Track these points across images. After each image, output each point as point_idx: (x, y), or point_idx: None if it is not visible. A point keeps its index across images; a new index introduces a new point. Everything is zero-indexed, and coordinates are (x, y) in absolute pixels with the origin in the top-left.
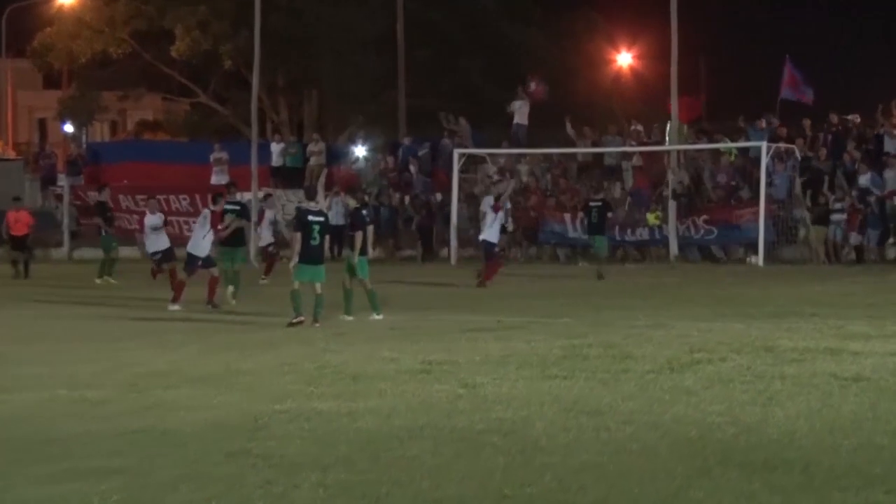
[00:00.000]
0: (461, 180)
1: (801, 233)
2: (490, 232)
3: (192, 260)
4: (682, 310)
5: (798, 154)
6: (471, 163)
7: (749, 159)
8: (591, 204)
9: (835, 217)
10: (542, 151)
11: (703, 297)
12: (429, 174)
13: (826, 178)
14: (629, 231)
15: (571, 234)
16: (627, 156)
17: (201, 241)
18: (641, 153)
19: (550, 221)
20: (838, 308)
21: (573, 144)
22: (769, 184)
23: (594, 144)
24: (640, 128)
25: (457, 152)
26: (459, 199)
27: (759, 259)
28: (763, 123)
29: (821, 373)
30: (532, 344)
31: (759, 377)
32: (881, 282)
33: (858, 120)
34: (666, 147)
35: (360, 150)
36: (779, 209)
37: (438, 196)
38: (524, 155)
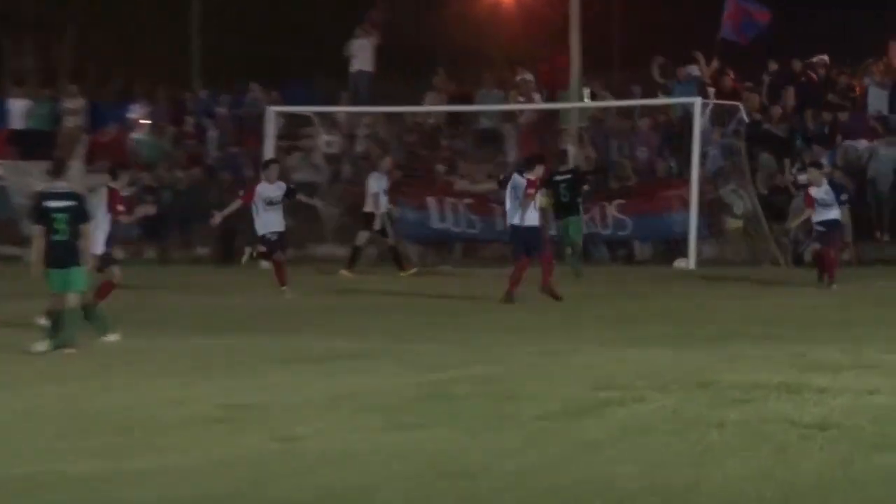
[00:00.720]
0: (285, 150)
1: (730, 223)
2: (530, 215)
3: None
4: (585, 331)
5: (745, 114)
6: (294, 125)
7: (678, 122)
8: (558, 178)
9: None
10: (386, 110)
11: (613, 314)
12: (236, 142)
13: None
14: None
15: (436, 224)
16: (511, 116)
17: None
18: (530, 113)
19: (404, 207)
20: (799, 328)
21: (443, 100)
22: (705, 158)
23: (462, 100)
24: (528, 77)
25: (271, 111)
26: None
27: (690, 261)
28: (692, 71)
29: (774, 418)
30: (376, 379)
31: (691, 424)
32: (858, 291)
33: (826, 63)
34: (562, 105)
35: (137, 110)
36: (716, 192)
37: (247, 173)
38: (366, 115)
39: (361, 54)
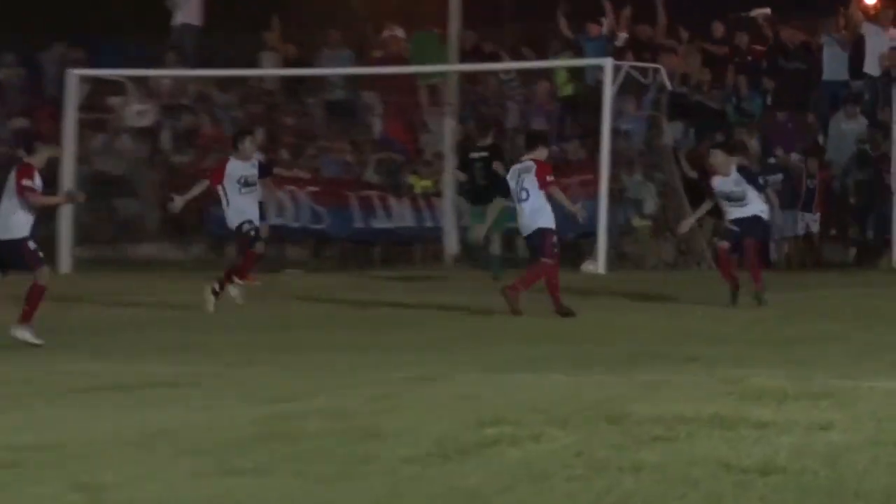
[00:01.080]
0: (89, 124)
1: (637, 221)
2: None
3: None
4: (464, 352)
5: (666, 80)
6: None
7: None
8: (474, 155)
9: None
10: (213, 74)
11: (501, 328)
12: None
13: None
14: (377, 214)
15: (273, 219)
16: (370, 84)
17: None
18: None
19: None
20: (734, 347)
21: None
22: (617, 134)
23: (299, 63)
24: (399, 34)
25: (72, 74)
26: (82, 156)
27: (599, 264)
28: (602, 28)
29: (704, 460)
30: (200, 413)
31: (599, 468)
32: (807, 300)
33: (769, 13)
34: (433, 68)
35: None
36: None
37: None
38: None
39: (187, 4)
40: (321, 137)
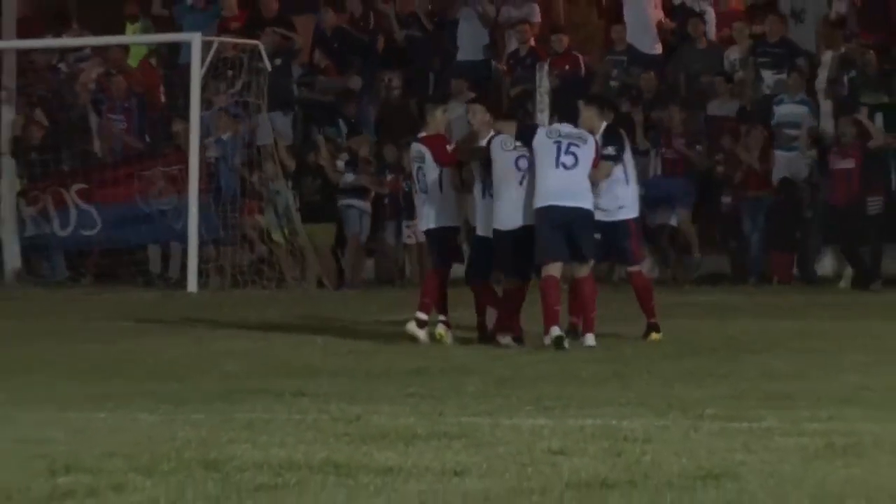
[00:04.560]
0: None
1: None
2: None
3: None
4: (27, 388)
5: (266, 60)
6: None
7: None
8: None
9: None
10: None
11: (64, 358)
12: None
13: None
14: None
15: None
16: None
17: None
18: None
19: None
20: (347, 378)
21: None
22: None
23: None
24: None
25: None
26: None
27: (190, 277)
28: None
29: None
30: None
31: None
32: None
33: None
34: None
35: None
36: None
37: None
38: None
39: None
40: None
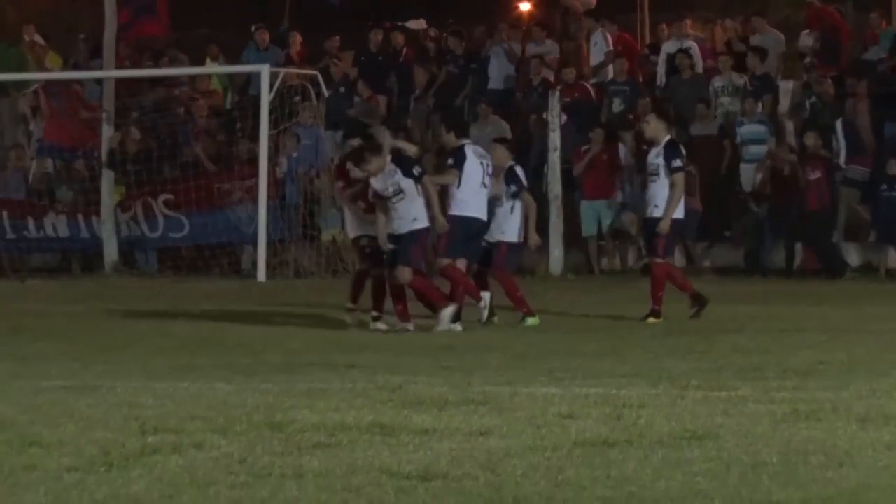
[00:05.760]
0: None
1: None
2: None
3: None
4: (128, 361)
5: (323, 87)
6: None
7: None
8: None
9: None
10: None
11: (162, 336)
12: None
13: None
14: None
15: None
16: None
17: None
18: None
19: None
20: (394, 355)
21: None
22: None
23: None
24: (40, 40)
25: None
26: None
27: (260, 270)
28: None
29: (365, 467)
30: None
31: (262, 475)
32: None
33: (426, 28)
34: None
35: None
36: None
37: None
38: None
39: None
40: None
